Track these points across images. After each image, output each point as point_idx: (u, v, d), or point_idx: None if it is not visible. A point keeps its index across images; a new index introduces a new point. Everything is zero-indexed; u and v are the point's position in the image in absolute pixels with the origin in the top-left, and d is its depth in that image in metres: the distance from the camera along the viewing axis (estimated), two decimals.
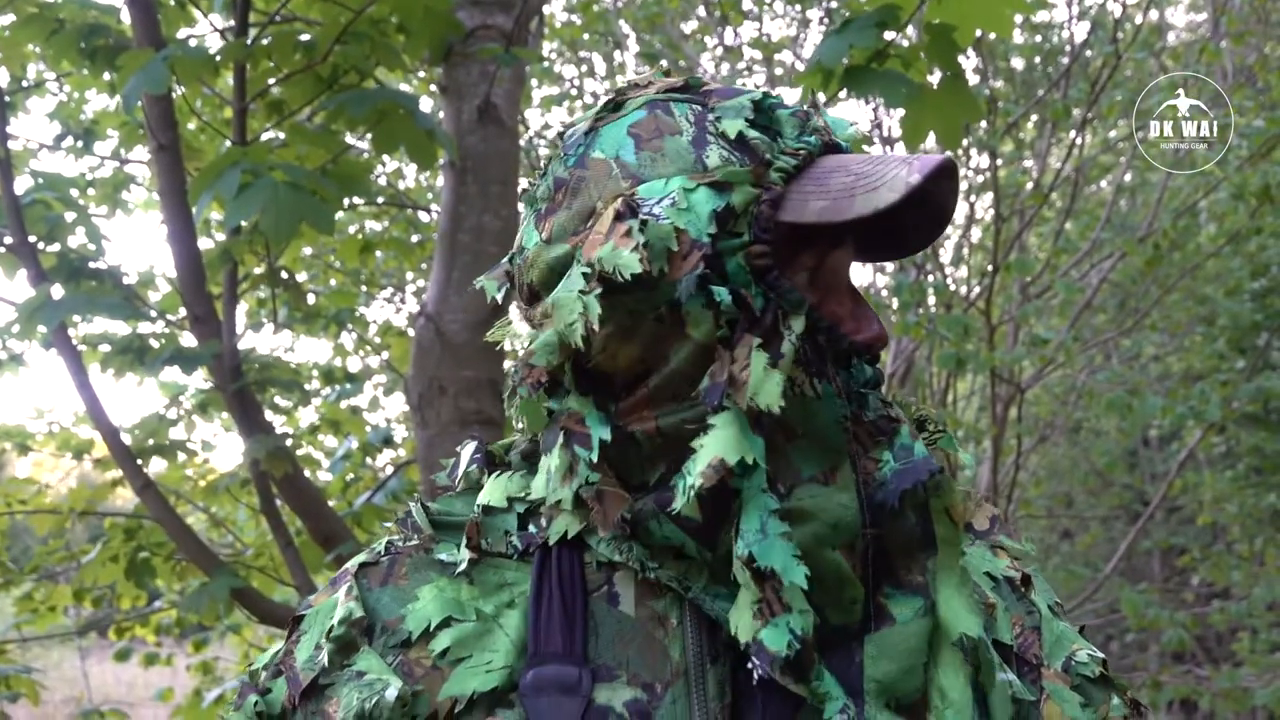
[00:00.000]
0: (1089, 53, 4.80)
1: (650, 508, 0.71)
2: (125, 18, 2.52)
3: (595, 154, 0.75)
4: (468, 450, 0.85)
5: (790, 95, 5.51)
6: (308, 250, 4.11)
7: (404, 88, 3.82)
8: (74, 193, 2.87)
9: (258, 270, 2.81)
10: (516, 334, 0.78)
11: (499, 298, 0.82)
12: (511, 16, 2.54)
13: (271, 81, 2.37)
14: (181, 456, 3.11)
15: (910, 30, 1.96)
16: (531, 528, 0.77)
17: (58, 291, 2.41)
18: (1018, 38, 5.10)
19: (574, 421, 0.74)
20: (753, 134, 0.72)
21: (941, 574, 0.72)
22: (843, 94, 1.96)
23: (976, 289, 5.07)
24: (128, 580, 2.85)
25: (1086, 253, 5.11)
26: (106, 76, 2.70)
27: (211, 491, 3.55)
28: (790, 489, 0.69)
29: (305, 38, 2.33)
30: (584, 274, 0.71)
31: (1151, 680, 4.88)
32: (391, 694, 0.70)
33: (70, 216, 2.67)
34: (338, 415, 3.97)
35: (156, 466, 3.40)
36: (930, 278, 4.71)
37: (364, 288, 4.55)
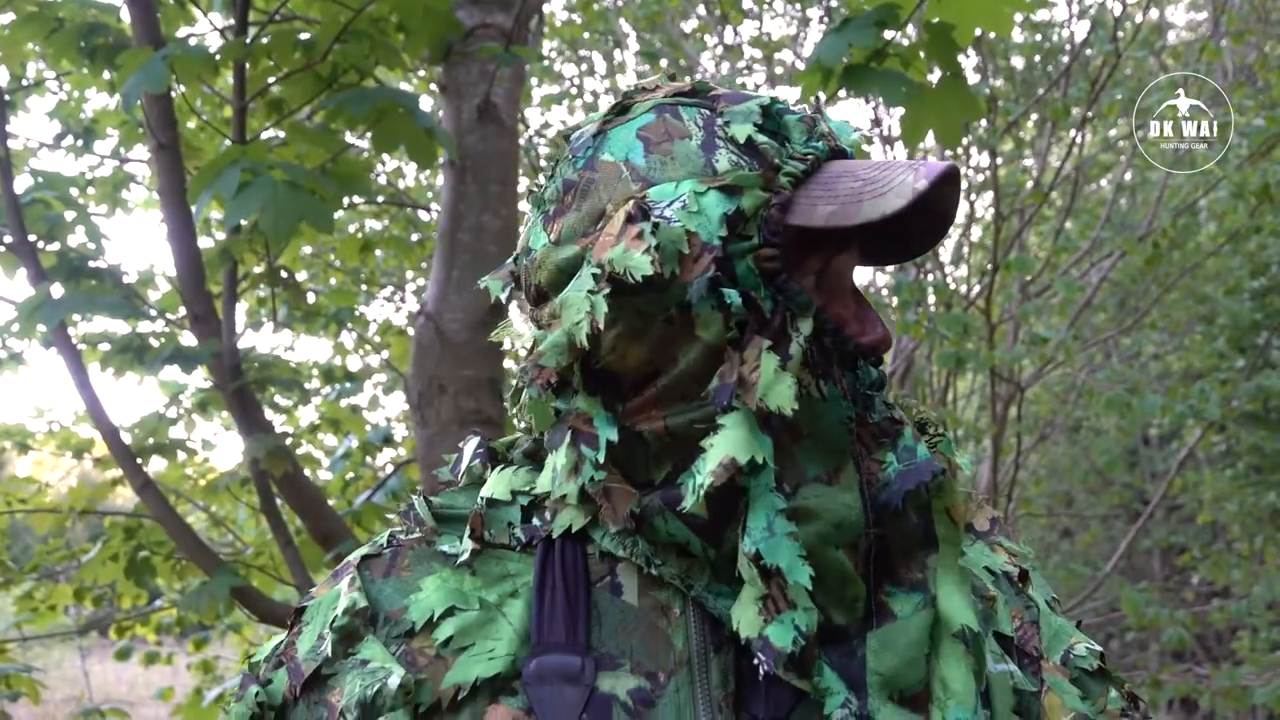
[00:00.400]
0: (1089, 51, 4.80)
1: (657, 504, 0.72)
2: (125, 16, 2.52)
3: (605, 156, 0.76)
4: (470, 446, 0.86)
5: (791, 94, 5.51)
6: (307, 249, 4.11)
7: (404, 87, 3.82)
8: (74, 192, 2.87)
9: (257, 269, 2.81)
10: (518, 334, 0.79)
11: (503, 298, 0.83)
12: (511, 15, 2.54)
13: (271, 80, 2.37)
14: (181, 455, 3.12)
15: (910, 29, 1.96)
16: (536, 521, 0.77)
17: (57, 290, 2.41)
18: (1018, 36, 5.10)
19: (581, 421, 0.75)
20: (761, 139, 0.74)
21: (941, 571, 0.73)
22: (842, 93, 1.96)
23: (976, 288, 5.07)
24: (128, 579, 2.86)
25: (1086, 251, 5.11)
26: (106, 75, 2.70)
27: (211, 490, 3.55)
28: (795, 488, 0.70)
29: (305, 36, 2.33)
30: (594, 275, 0.72)
31: (1151, 679, 4.88)
32: (394, 682, 0.70)
33: (70, 215, 2.67)
34: (337, 414, 3.97)
35: (156, 465, 3.40)
36: (930, 276, 4.71)
37: (364, 287, 4.55)
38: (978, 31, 2.03)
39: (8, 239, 2.48)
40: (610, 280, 0.71)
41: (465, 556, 0.76)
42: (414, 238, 4.22)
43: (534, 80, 4.75)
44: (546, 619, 0.73)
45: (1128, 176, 5.52)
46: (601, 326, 0.71)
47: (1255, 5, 5.14)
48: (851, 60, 1.93)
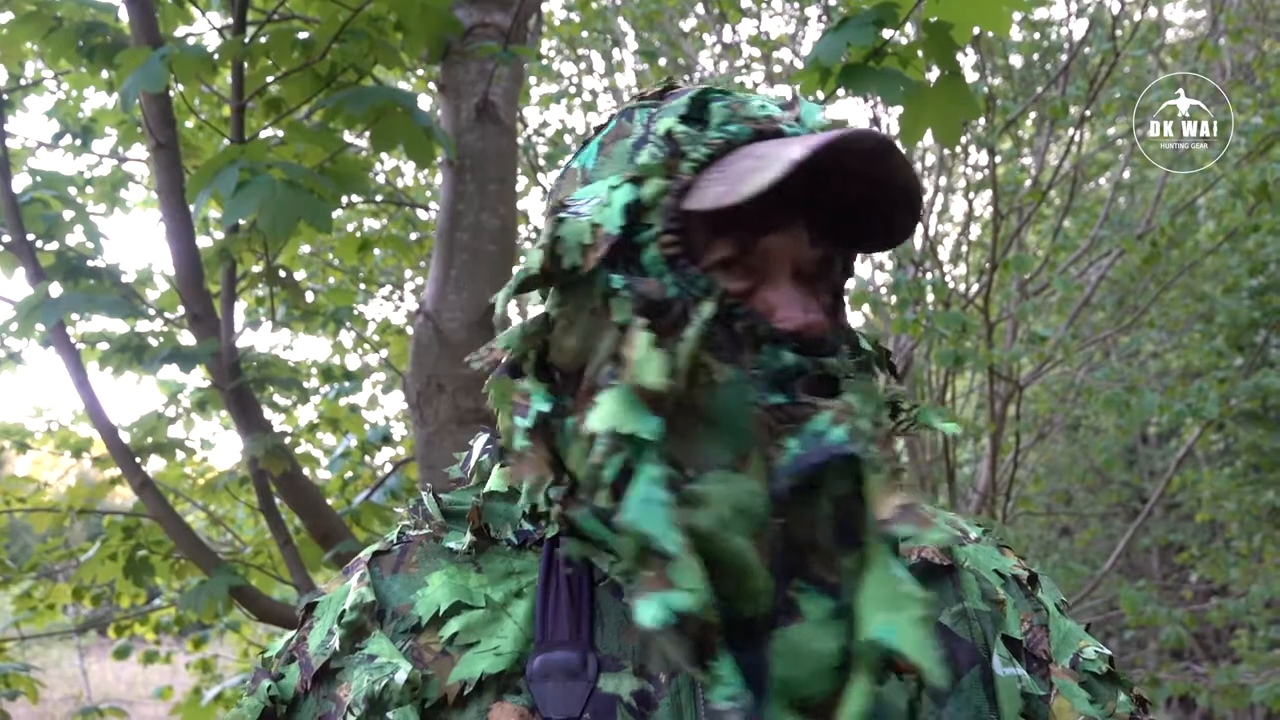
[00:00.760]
0: (1087, 50, 4.80)
1: (583, 505, 0.72)
2: (123, 15, 2.52)
3: (574, 164, 0.81)
4: (479, 443, 0.87)
5: (790, 93, 5.51)
6: (306, 248, 4.11)
7: (402, 86, 3.82)
8: (72, 191, 2.87)
9: (256, 268, 2.80)
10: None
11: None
12: (510, 14, 2.54)
13: (269, 80, 2.37)
14: (180, 455, 3.11)
15: (908, 27, 1.96)
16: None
17: (56, 290, 2.41)
18: (1016, 35, 5.10)
19: (522, 398, 0.75)
20: (680, 129, 0.75)
21: (860, 573, 0.68)
22: (840, 92, 1.96)
23: (975, 286, 5.07)
24: (127, 578, 2.85)
25: (1085, 250, 5.11)
26: (104, 74, 2.70)
27: (210, 489, 3.55)
28: (699, 474, 0.69)
29: (303, 36, 2.32)
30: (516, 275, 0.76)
31: (1150, 677, 4.89)
32: (401, 677, 0.71)
33: (68, 215, 2.67)
34: (336, 413, 3.97)
35: (155, 465, 3.40)
36: (928, 275, 4.71)
37: (362, 285, 4.55)
38: (976, 30, 2.03)
39: (6, 238, 2.48)
40: (518, 278, 0.74)
41: (466, 550, 0.77)
42: (412, 236, 4.22)
43: (532, 79, 4.75)
44: (550, 617, 0.73)
45: (1126, 175, 5.53)
46: (500, 313, 0.74)
47: (1253, 3, 5.14)
48: (850, 59, 1.93)
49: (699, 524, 0.66)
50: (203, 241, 2.87)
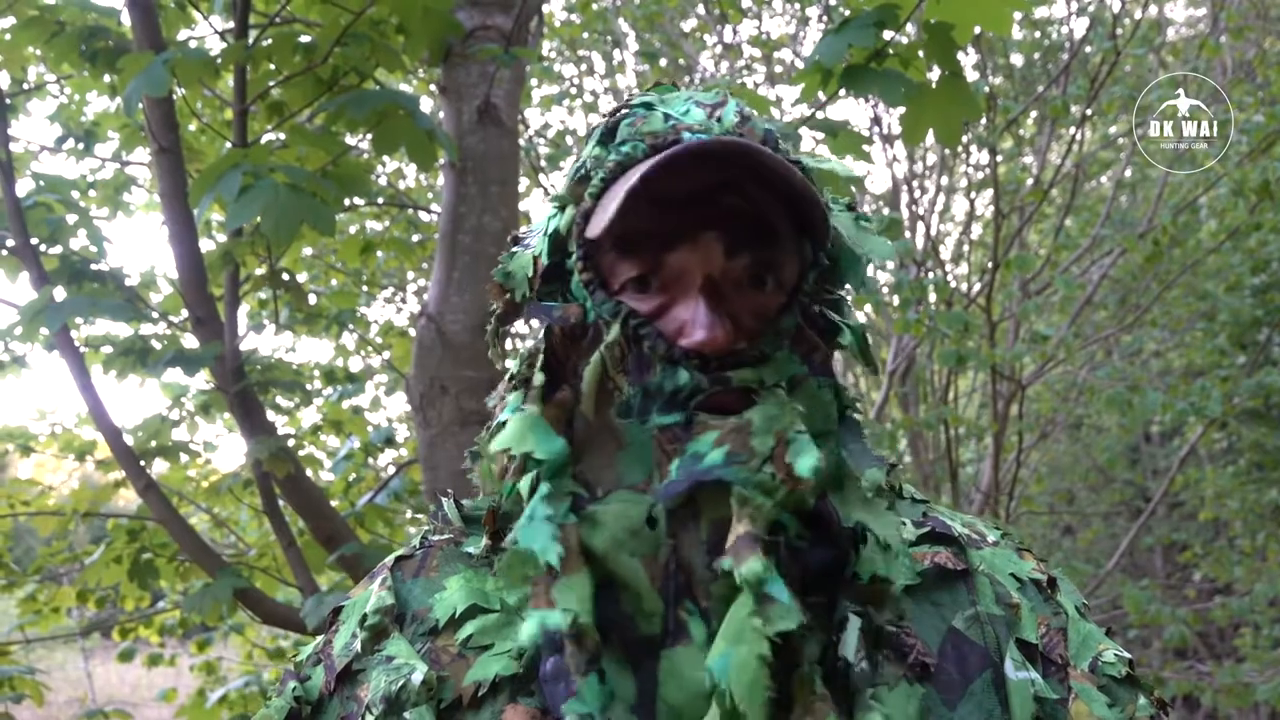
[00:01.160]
0: (1088, 49, 4.80)
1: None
2: (125, 20, 2.52)
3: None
4: None
5: (791, 93, 5.51)
6: (309, 251, 4.11)
7: (404, 88, 3.82)
8: (75, 195, 2.87)
9: (259, 271, 2.81)
10: None
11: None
12: (511, 17, 2.54)
13: (272, 83, 2.37)
14: (184, 457, 3.12)
15: (909, 27, 1.96)
16: None
17: (60, 294, 2.42)
18: (1017, 34, 5.10)
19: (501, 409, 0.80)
20: (594, 153, 0.77)
21: (729, 615, 0.66)
22: (841, 92, 1.96)
23: (977, 286, 5.07)
24: (131, 581, 2.86)
25: (1087, 249, 5.11)
26: (107, 79, 2.70)
27: (214, 492, 3.55)
28: (606, 494, 0.71)
29: (305, 39, 2.33)
30: None
31: (1154, 676, 4.89)
32: (417, 678, 0.73)
33: (72, 219, 2.67)
34: (339, 415, 3.98)
35: (159, 467, 3.41)
36: (931, 275, 4.72)
37: (365, 288, 4.56)
38: (977, 30, 2.03)
39: (10, 242, 2.49)
40: (496, 314, 0.81)
41: (483, 554, 0.79)
42: (415, 239, 4.23)
43: (534, 81, 4.75)
44: None
45: (1128, 173, 5.52)
46: (496, 346, 0.83)
47: (1254, 1, 5.14)
48: (851, 60, 1.93)
49: (593, 544, 0.69)
50: (206, 245, 2.87)
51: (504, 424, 0.73)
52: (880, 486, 0.78)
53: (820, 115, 2.16)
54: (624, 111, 0.78)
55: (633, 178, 0.68)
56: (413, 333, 3.02)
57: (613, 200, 0.69)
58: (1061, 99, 4.32)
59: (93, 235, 2.70)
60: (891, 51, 1.92)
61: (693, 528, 0.69)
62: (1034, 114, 5.38)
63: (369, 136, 2.34)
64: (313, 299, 3.75)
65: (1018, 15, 4.57)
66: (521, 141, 3.39)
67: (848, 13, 1.96)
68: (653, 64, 5.25)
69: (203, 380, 3.04)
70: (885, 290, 4.90)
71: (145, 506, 2.56)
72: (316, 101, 2.37)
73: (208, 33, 2.65)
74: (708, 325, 0.70)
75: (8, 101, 2.62)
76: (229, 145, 2.35)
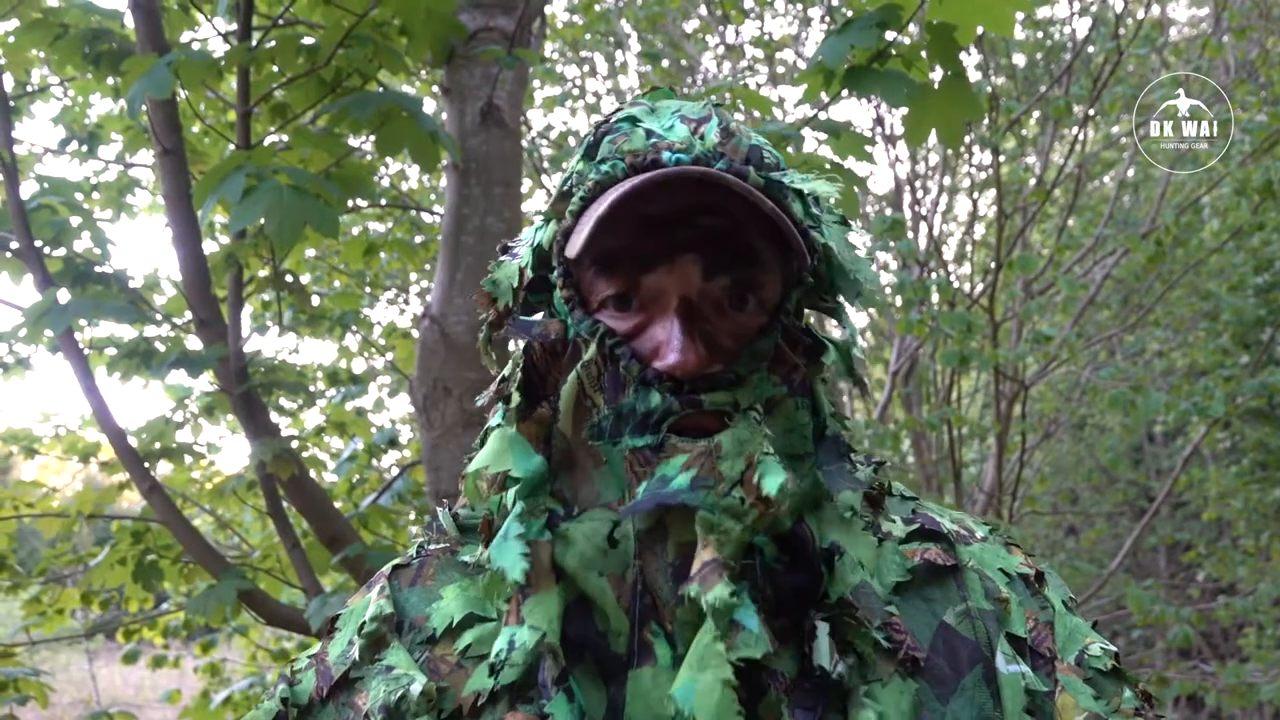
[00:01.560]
0: (1091, 49, 4.80)
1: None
2: (129, 22, 2.53)
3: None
4: None
5: (794, 94, 5.51)
6: (312, 252, 4.12)
7: (407, 90, 3.83)
8: (79, 197, 2.88)
9: (262, 273, 2.81)
10: None
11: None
12: (513, 18, 2.54)
13: (275, 85, 2.38)
14: (188, 459, 3.12)
15: (912, 28, 1.96)
16: None
17: (64, 296, 2.42)
18: (1019, 34, 5.10)
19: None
20: (579, 167, 0.77)
21: (697, 641, 0.67)
22: (844, 93, 1.96)
23: (980, 286, 5.07)
24: (135, 583, 2.86)
25: (1089, 249, 5.11)
26: (110, 81, 2.71)
27: (218, 494, 3.56)
28: (581, 512, 0.72)
29: (308, 41, 2.33)
30: None
31: (1157, 676, 4.88)
32: (417, 689, 0.73)
33: (76, 221, 2.68)
34: (343, 417, 3.98)
35: (163, 469, 3.41)
36: (933, 275, 4.71)
37: (368, 289, 4.56)
38: (979, 30, 2.03)
39: (14, 244, 2.49)
40: (485, 323, 0.81)
41: (478, 562, 0.79)
42: (418, 240, 4.23)
43: (536, 82, 4.76)
44: None
45: (1130, 173, 5.52)
46: (487, 354, 0.82)
47: (1257, 1, 5.13)
48: (854, 61, 1.93)
49: (564, 561, 0.70)
50: (209, 247, 2.88)
51: (486, 436, 0.76)
52: (853, 508, 0.77)
53: (823, 116, 2.16)
54: (608, 126, 0.78)
55: (605, 201, 0.69)
56: (416, 334, 3.02)
57: (589, 221, 0.70)
58: (1064, 99, 4.32)
59: (96, 237, 2.71)
60: (894, 52, 1.92)
61: (659, 550, 0.69)
62: (1036, 114, 5.38)
63: (372, 138, 2.35)
64: (316, 300, 3.76)
65: (1020, 16, 4.56)
66: (524, 143, 3.39)
67: (850, 13, 1.96)
68: (655, 65, 5.25)
69: (206, 382, 3.04)
70: (888, 291, 4.90)
71: (149, 508, 2.56)
72: (320, 103, 2.37)
73: (211, 35, 2.66)
74: (680, 349, 0.69)
75: (11, 104, 2.62)
76: (232, 147, 2.35)
